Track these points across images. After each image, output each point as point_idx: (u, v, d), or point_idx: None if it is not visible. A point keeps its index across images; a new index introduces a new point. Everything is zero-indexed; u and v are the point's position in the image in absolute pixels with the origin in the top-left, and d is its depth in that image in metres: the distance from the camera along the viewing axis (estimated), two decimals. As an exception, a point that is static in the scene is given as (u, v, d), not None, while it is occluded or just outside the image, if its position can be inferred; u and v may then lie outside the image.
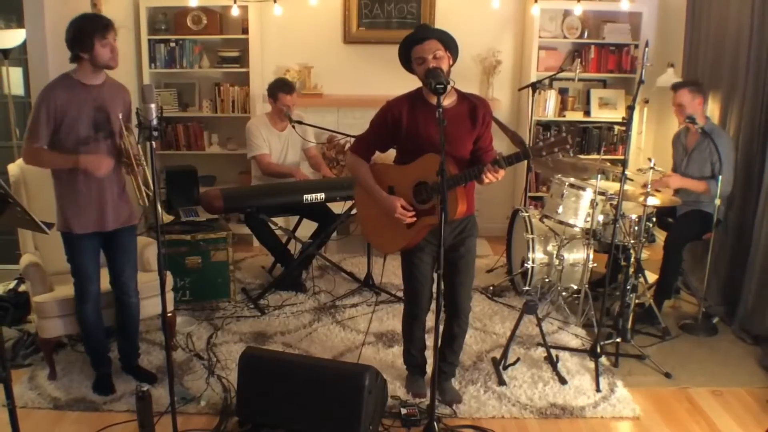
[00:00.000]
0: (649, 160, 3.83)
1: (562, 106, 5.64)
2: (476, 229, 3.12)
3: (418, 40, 2.83)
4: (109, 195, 3.10)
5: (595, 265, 4.13)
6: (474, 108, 2.95)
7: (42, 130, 2.94)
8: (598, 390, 3.35)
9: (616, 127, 5.61)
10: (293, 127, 4.56)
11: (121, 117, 3.03)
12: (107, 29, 2.92)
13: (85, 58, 2.93)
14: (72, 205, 3.05)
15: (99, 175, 3.00)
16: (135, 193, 3.12)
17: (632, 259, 3.82)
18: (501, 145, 4.29)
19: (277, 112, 4.61)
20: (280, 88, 4.57)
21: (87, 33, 2.90)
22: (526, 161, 3.79)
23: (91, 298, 3.18)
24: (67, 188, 3.05)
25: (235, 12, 5.28)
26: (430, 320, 3.20)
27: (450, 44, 2.85)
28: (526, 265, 4.26)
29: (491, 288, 4.60)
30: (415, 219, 2.95)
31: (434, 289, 3.04)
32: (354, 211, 4.14)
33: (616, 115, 5.58)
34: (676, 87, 4.11)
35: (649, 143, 5.72)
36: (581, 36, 5.54)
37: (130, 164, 3.03)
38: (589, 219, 4.09)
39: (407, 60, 2.90)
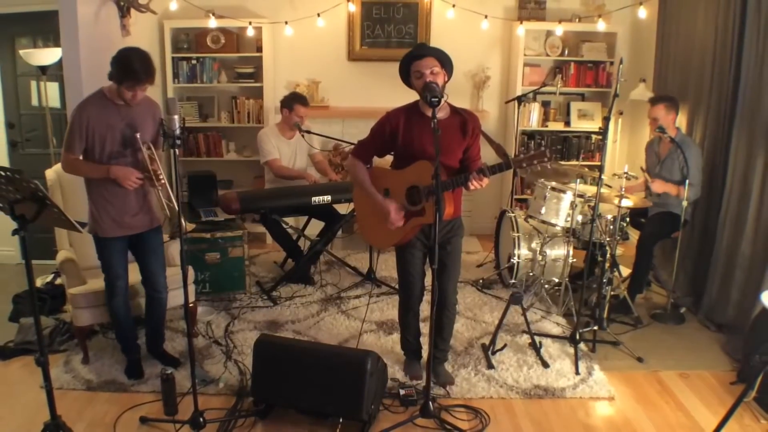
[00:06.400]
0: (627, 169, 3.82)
1: (545, 117, 5.64)
2: (462, 230, 3.11)
3: (418, 57, 2.83)
4: (133, 203, 3.06)
5: (575, 260, 4.12)
6: (465, 121, 2.95)
7: (75, 142, 2.92)
8: (577, 373, 3.35)
9: (594, 136, 5.61)
10: (302, 136, 4.56)
11: (139, 136, 2.94)
12: (135, 85, 2.83)
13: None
14: (100, 211, 3.03)
15: (126, 185, 2.95)
16: (158, 203, 3.07)
17: (608, 255, 3.82)
18: (486, 156, 4.27)
19: (286, 122, 4.60)
20: (297, 100, 4.56)
21: (120, 71, 2.83)
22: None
23: (119, 292, 3.17)
24: (96, 195, 3.03)
25: (250, 32, 5.30)
26: (425, 310, 3.20)
27: (446, 62, 2.85)
28: (512, 260, 4.26)
29: (481, 281, 4.59)
30: (404, 222, 2.96)
31: (427, 282, 3.05)
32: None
33: (594, 125, 5.58)
34: (653, 102, 4.03)
35: (624, 151, 5.72)
36: (562, 54, 5.54)
37: (149, 178, 2.96)
38: (569, 219, 4.08)
39: (407, 74, 2.89)
